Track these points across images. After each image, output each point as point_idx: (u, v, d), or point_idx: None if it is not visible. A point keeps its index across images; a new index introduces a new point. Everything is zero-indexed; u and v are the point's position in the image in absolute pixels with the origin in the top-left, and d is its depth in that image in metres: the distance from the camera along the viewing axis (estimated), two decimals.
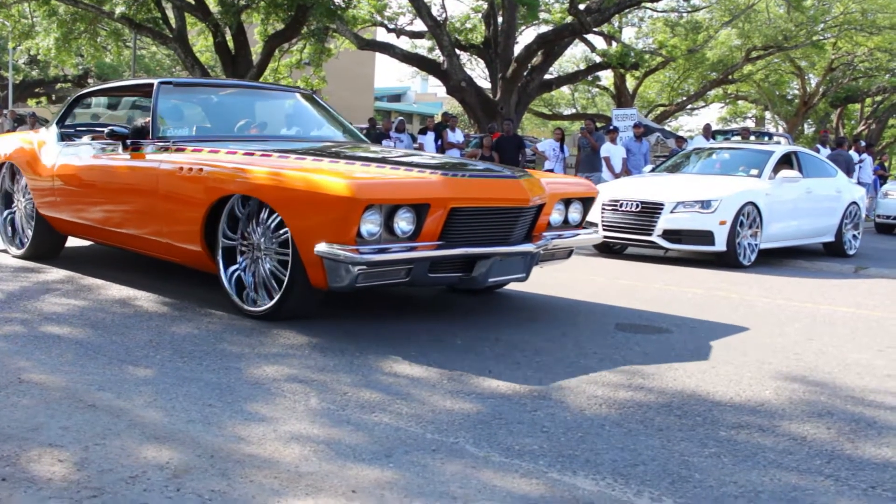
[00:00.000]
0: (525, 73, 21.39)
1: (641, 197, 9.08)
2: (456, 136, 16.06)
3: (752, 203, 8.91)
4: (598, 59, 24.83)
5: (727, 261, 8.76)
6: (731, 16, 30.04)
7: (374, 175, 4.50)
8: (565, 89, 38.70)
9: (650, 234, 8.90)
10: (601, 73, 31.91)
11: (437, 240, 4.47)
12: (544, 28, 25.79)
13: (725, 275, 8.14)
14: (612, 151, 13.85)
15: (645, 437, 3.10)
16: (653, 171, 11.18)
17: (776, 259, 9.62)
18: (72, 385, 3.39)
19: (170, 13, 20.50)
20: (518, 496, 2.51)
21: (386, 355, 4.11)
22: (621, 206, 9.12)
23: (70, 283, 5.72)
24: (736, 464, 2.87)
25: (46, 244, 6.58)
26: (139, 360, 3.82)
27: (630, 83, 32.40)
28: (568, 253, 5.61)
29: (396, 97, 61.94)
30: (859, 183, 13.74)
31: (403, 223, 4.35)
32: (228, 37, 19.57)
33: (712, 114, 51.95)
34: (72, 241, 6.79)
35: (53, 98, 34.36)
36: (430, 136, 15.60)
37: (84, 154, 5.99)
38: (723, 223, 8.63)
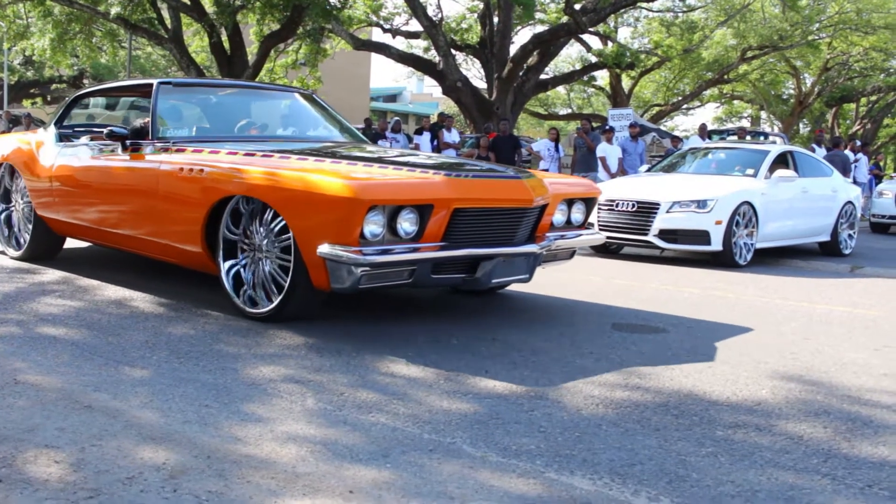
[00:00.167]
0: (521, 73, 21.40)
1: (638, 197, 9.09)
2: (452, 136, 16.06)
3: (748, 203, 8.92)
4: (593, 59, 24.87)
5: (723, 260, 8.77)
6: (726, 15, 30.08)
7: (376, 175, 4.48)
8: (561, 89, 38.72)
9: (646, 234, 8.90)
10: (597, 73, 31.92)
11: (440, 241, 4.45)
12: (540, 28, 25.82)
13: (721, 274, 8.15)
14: (608, 151, 13.86)
15: (642, 436, 3.10)
16: (649, 170, 11.19)
17: (772, 258, 9.63)
18: (68, 386, 3.38)
19: (165, 14, 20.47)
20: (515, 496, 2.51)
21: (383, 355, 4.11)
22: (617, 205, 9.12)
23: (66, 283, 5.71)
24: (733, 463, 2.87)
25: (44, 245, 6.56)
26: (135, 361, 3.82)
27: (626, 83, 32.41)
28: (570, 253, 5.60)
29: (392, 97, 61.93)
30: (855, 182, 13.75)
31: (407, 224, 4.33)
32: (224, 37, 19.55)
33: (708, 113, 51.96)
34: (69, 243, 6.77)
35: (49, 99, 34.32)
36: (427, 136, 15.60)
37: (83, 155, 5.98)
38: (719, 223, 8.64)
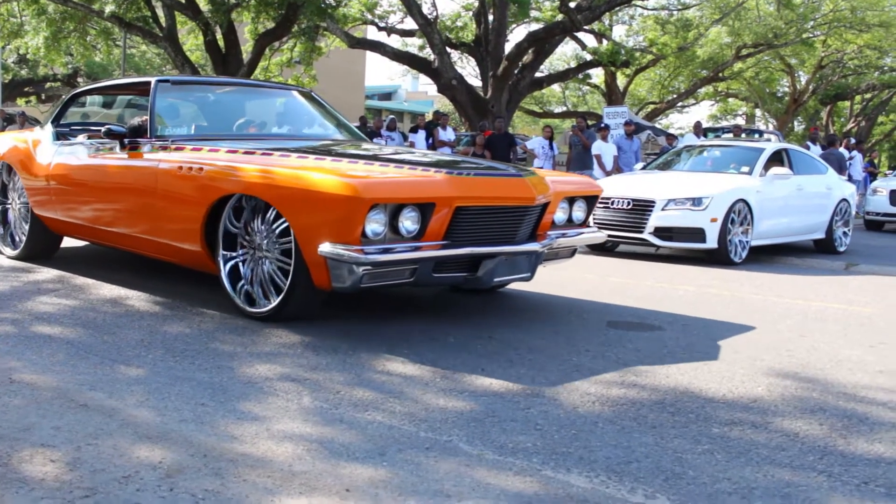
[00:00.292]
0: (516, 71, 21.39)
1: (633, 194, 9.09)
2: (447, 134, 16.06)
3: (743, 200, 8.93)
4: (588, 57, 24.85)
5: (718, 258, 8.78)
6: (721, 13, 30.10)
7: (378, 174, 4.45)
8: (556, 87, 38.71)
9: (641, 232, 8.90)
10: (592, 71, 31.89)
11: (441, 239, 4.43)
12: (535, 26, 25.79)
13: (717, 272, 8.16)
14: (603, 149, 13.87)
15: (638, 434, 3.11)
16: (644, 168, 11.20)
17: (767, 256, 9.64)
18: (63, 385, 3.37)
19: (160, 12, 20.41)
20: (512, 494, 2.51)
21: (379, 353, 4.10)
22: (613, 203, 9.12)
23: (61, 282, 5.70)
24: (729, 460, 2.88)
25: (42, 244, 6.52)
26: (131, 360, 3.81)
27: (621, 81, 32.42)
28: (571, 252, 5.59)
29: (387, 95, 61.89)
30: (850, 180, 13.78)
31: (408, 222, 4.30)
32: (219, 35, 19.50)
33: (703, 111, 52.18)
34: (65, 242, 6.75)
35: (43, 97, 34.19)
36: (422, 134, 15.60)
37: (80, 153, 5.95)
38: (714, 220, 8.65)
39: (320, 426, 3.03)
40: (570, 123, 25.15)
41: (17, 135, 6.98)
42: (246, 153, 4.89)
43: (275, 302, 4.56)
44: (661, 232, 8.84)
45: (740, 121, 43.49)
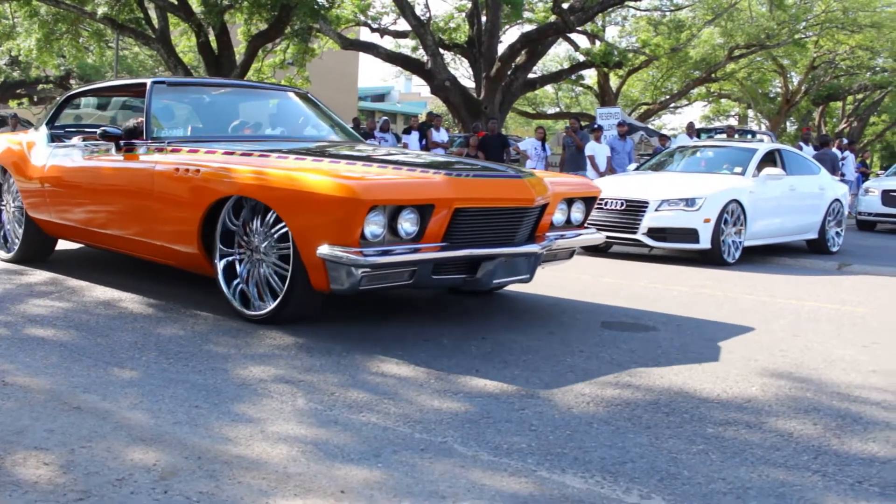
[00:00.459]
0: (509, 73, 21.41)
1: (626, 195, 9.10)
2: (440, 135, 16.06)
3: (736, 201, 8.95)
4: (581, 58, 24.87)
5: (712, 258, 8.80)
6: (713, 14, 30.17)
7: (376, 175, 4.44)
8: (549, 88, 38.75)
9: (635, 233, 8.92)
10: (585, 72, 31.94)
11: (440, 241, 4.41)
12: (528, 27, 25.83)
13: (710, 272, 8.17)
14: (597, 150, 13.88)
15: (633, 434, 3.11)
16: (637, 169, 11.21)
17: (760, 256, 9.67)
18: (56, 387, 3.36)
19: (152, 13, 20.39)
20: (507, 495, 2.51)
21: (373, 355, 4.10)
22: (606, 204, 9.13)
23: (54, 285, 5.68)
24: (724, 460, 2.88)
25: (36, 247, 6.49)
26: (124, 362, 3.80)
27: (614, 82, 32.48)
28: (570, 253, 5.57)
29: (380, 97, 61.87)
30: (842, 180, 13.82)
31: (407, 224, 4.28)
32: (212, 37, 19.48)
33: (695, 112, 52.09)
34: (59, 244, 6.73)
35: (35, 99, 34.09)
36: (415, 135, 15.59)
37: (75, 155, 5.92)
38: (707, 221, 8.66)
39: (315, 428, 3.02)
40: (563, 124, 25.15)
41: (12, 137, 6.95)
42: (243, 155, 4.88)
43: (273, 304, 4.54)
44: (654, 232, 8.85)
45: (733, 121, 43.57)
